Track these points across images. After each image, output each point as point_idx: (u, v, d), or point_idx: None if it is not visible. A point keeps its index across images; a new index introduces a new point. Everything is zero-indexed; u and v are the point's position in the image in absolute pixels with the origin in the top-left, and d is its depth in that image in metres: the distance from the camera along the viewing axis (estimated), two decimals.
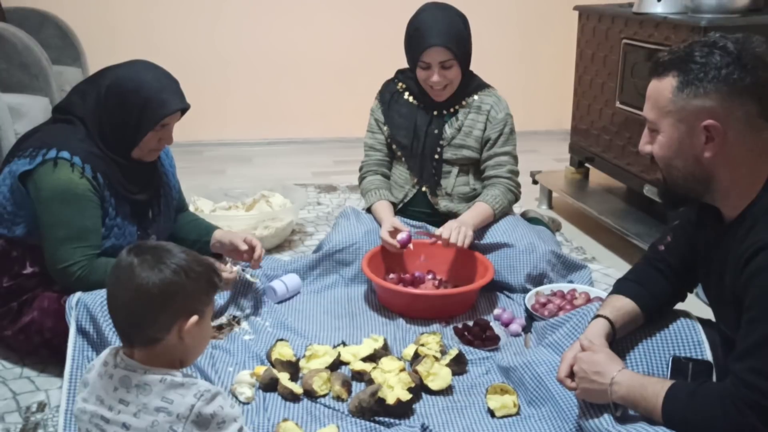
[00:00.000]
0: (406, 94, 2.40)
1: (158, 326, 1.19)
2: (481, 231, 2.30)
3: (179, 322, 1.20)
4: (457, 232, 2.12)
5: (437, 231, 2.16)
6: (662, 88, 1.29)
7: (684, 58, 1.26)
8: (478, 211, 2.28)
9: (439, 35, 2.20)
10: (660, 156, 1.33)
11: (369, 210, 2.43)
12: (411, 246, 2.19)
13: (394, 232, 2.20)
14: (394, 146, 2.42)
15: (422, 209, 2.42)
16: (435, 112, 2.36)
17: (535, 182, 3.26)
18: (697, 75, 1.24)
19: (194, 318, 1.21)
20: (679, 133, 1.28)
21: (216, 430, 1.17)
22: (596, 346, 1.43)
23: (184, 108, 1.88)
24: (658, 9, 2.56)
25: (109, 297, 1.24)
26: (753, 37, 1.27)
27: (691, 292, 1.61)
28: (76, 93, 1.90)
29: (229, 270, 1.96)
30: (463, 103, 2.36)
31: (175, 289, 1.18)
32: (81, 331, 1.72)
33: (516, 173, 2.37)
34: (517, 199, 2.39)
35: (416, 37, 2.25)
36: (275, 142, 4.25)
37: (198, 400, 1.16)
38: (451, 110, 2.36)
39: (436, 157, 2.36)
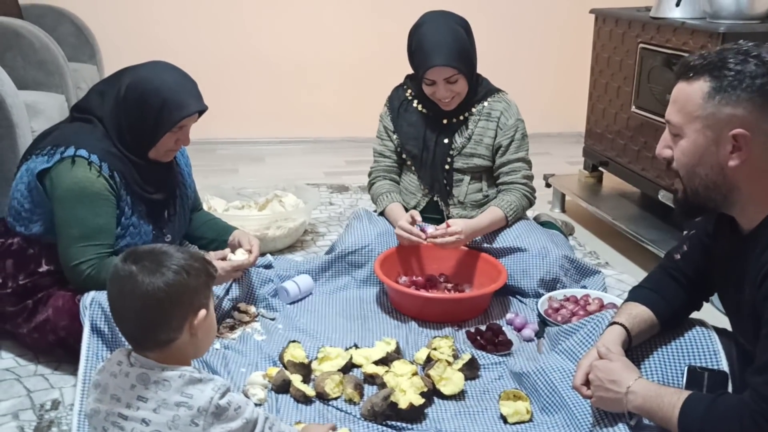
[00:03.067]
0: (415, 102, 2.38)
1: (170, 328, 1.21)
2: (493, 235, 2.30)
3: (189, 319, 1.22)
4: (450, 238, 2.12)
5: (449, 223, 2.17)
6: (691, 92, 1.26)
7: (717, 65, 1.24)
8: (491, 216, 2.26)
9: (442, 53, 2.16)
10: (682, 162, 1.30)
11: (381, 214, 2.42)
12: (429, 229, 2.19)
13: (413, 222, 2.20)
14: (404, 155, 2.41)
15: (435, 216, 2.40)
16: (444, 121, 2.34)
17: (548, 185, 3.24)
18: (731, 82, 1.22)
19: (202, 312, 1.24)
20: (705, 139, 1.26)
21: (235, 417, 1.21)
22: (613, 354, 1.42)
23: (202, 110, 1.88)
24: (676, 14, 2.54)
25: (113, 309, 1.25)
26: None
27: (707, 301, 1.59)
28: (95, 92, 1.91)
29: (242, 253, 2.00)
30: (473, 110, 2.34)
31: (181, 289, 1.20)
32: (95, 330, 1.72)
33: (531, 178, 2.36)
34: (531, 204, 2.37)
35: (418, 55, 2.22)
36: (287, 141, 4.26)
37: (216, 393, 1.19)
38: (461, 118, 2.34)
39: (447, 167, 2.35)
